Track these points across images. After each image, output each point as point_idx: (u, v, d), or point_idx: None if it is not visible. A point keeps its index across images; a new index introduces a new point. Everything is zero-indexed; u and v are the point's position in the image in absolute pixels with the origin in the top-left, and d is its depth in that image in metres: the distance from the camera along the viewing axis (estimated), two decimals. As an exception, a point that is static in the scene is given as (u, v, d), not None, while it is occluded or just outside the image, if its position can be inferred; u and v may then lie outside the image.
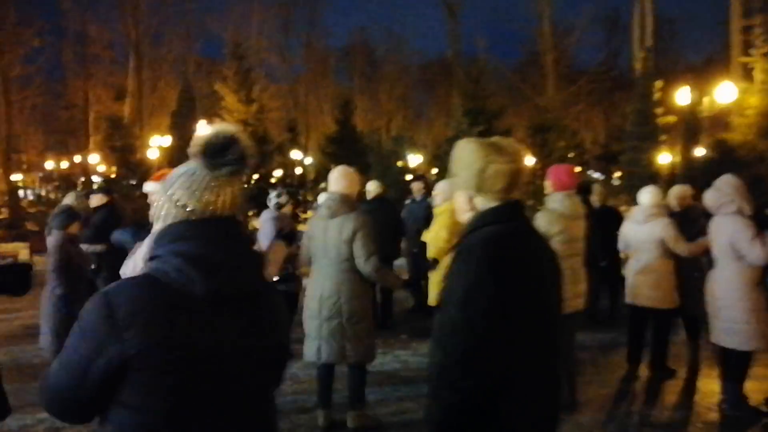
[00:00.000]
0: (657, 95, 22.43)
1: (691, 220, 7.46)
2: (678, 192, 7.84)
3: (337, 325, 5.27)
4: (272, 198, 7.79)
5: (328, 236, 5.33)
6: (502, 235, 2.30)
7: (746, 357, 5.70)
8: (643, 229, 6.91)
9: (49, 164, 42.11)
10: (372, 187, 9.33)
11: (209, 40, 51.38)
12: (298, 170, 31.99)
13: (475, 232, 2.36)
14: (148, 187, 5.17)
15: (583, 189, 9.77)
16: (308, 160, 38.60)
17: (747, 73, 23.09)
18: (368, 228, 5.26)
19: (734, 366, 5.76)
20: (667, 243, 6.79)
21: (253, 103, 29.35)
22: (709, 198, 5.77)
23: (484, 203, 2.41)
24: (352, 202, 5.38)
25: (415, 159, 36.49)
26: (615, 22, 44.91)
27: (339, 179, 5.44)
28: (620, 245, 7.49)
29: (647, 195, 7.07)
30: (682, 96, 21.43)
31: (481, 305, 2.16)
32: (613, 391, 6.67)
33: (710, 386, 6.61)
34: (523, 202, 2.44)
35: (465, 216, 2.46)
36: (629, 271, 7.16)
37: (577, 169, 41.37)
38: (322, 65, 50.95)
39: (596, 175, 34.79)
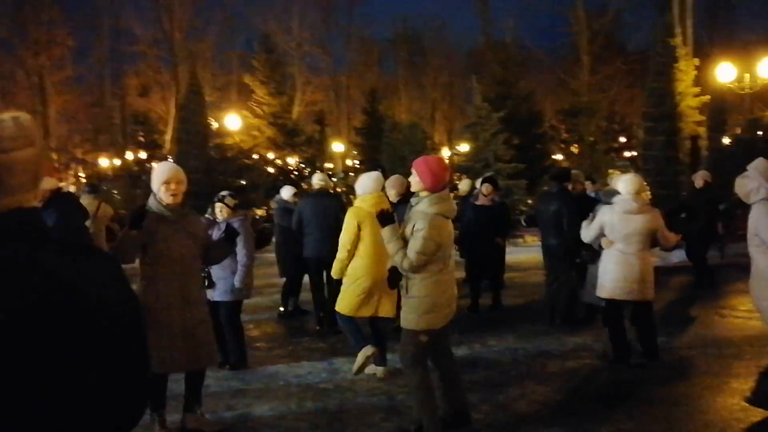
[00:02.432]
0: (691, 74, 21.12)
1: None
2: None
3: None
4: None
5: None
6: None
7: None
8: (636, 219, 6.40)
9: (104, 162, 42.94)
10: (315, 181, 8.79)
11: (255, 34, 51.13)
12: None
13: None
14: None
15: (562, 176, 9.05)
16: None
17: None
18: None
19: None
20: (659, 232, 6.54)
21: (282, 95, 29.07)
22: (737, 186, 5.27)
23: None
24: None
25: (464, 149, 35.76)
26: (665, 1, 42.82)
27: None
28: (590, 235, 6.76)
29: (632, 183, 6.53)
30: (722, 73, 20.15)
31: None
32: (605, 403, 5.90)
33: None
34: (35, 210, 1.56)
35: None
36: (609, 264, 6.52)
37: (627, 154, 40.02)
38: (365, 56, 50.37)
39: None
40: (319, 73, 47.84)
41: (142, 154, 29.85)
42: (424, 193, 4.73)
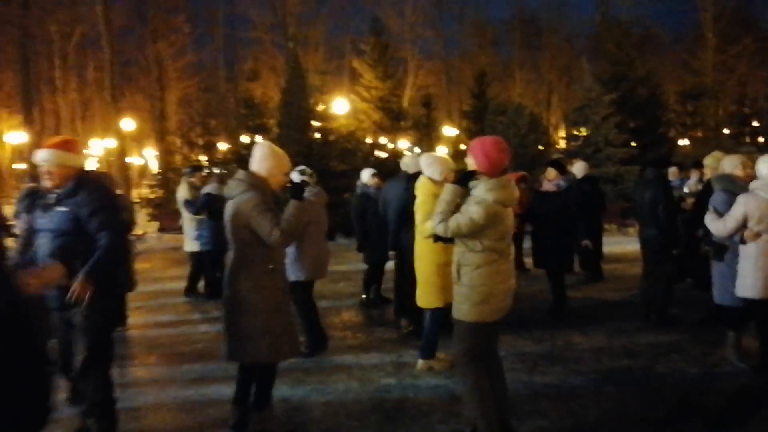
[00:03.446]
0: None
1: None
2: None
3: None
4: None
5: None
6: None
7: None
8: None
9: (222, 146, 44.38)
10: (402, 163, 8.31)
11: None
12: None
13: None
14: (41, 155, 4.66)
15: (660, 162, 8.31)
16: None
17: None
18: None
19: None
20: None
21: (391, 78, 28.78)
22: None
23: None
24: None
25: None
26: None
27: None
28: (729, 228, 5.82)
29: None
30: None
31: None
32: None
33: None
34: None
35: None
36: (761, 260, 5.68)
37: (761, 139, 37.28)
38: (479, 38, 49.52)
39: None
40: (431, 56, 47.50)
41: (258, 138, 30.38)
42: (482, 177, 4.31)
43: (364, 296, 9.37)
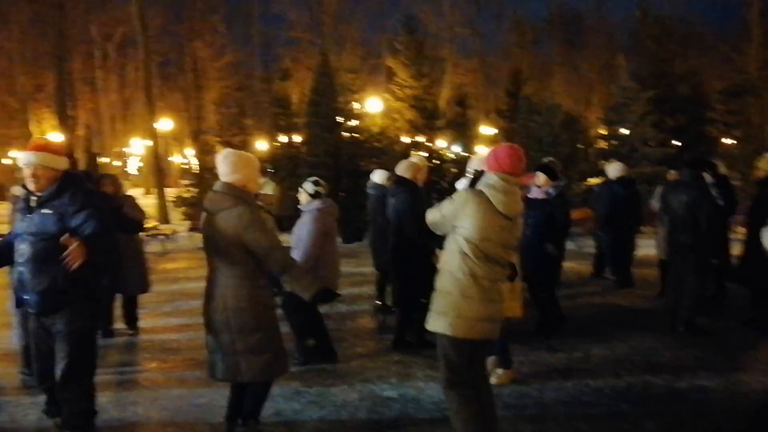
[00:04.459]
0: None
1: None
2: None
3: None
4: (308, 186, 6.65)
5: None
6: None
7: None
8: None
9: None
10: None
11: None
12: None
13: None
14: (24, 158, 4.49)
15: (698, 164, 7.84)
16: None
17: None
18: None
19: None
20: None
21: (425, 77, 28.44)
22: None
23: None
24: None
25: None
26: None
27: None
28: None
29: None
30: None
31: None
32: None
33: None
34: None
35: None
36: None
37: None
38: (518, 37, 48.82)
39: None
40: (469, 54, 47.01)
41: (297, 138, 30.32)
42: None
43: (378, 302, 9.10)
